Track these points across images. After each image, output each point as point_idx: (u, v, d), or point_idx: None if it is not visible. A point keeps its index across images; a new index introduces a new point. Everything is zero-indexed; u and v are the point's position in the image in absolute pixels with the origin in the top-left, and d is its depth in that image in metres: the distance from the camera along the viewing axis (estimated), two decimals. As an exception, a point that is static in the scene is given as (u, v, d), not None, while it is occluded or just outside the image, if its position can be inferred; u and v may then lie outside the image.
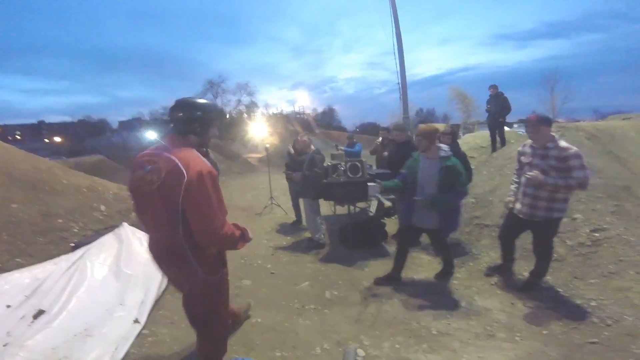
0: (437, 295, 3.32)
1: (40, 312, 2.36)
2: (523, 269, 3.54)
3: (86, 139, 39.34)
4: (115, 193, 5.33)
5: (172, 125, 1.79)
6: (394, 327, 2.81)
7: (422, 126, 3.27)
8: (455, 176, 3.03)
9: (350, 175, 4.42)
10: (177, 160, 1.61)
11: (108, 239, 3.35)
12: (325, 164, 4.72)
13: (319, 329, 2.81)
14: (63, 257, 3.00)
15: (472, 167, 6.04)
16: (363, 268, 3.98)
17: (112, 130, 45.80)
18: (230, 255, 4.41)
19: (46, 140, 42.33)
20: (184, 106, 1.79)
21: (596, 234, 3.49)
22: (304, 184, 4.57)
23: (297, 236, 5.33)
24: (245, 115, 30.41)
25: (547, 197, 2.85)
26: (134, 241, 3.48)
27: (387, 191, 3.51)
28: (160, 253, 1.86)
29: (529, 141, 3.07)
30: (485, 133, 8.93)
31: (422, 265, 4.01)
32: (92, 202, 4.68)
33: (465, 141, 9.24)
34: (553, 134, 2.92)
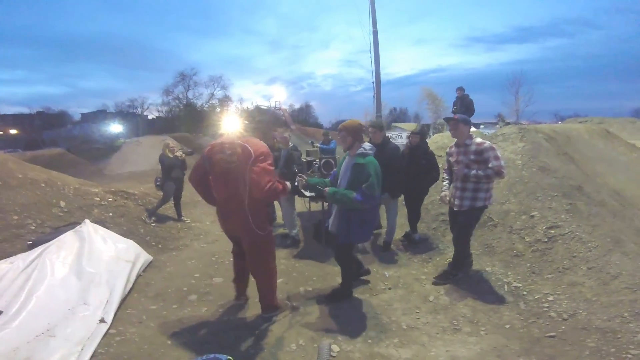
0: (406, 290, 3.43)
1: None
2: (486, 264, 3.73)
3: (45, 131, 36.74)
4: (76, 188, 5.03)
5: (243, 125, 2.72)
6: (365, 323, 2.87)
7: (346, 122, 3.05)
8: (365, 176, 2.74)
9: (324, 172, 4.45)
10: (247, 145, 2.49)
11: (68, 237, 3.19)
12: (302, 160, 4.74)
13: (294, 326, 2.82)
14: (19, 255, 2.87)
15: (440, 165, 6.24)
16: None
17: (74, 123, 43.02)
18: (201, 252, 4.34)
19: (0, 132, 38.97)
20: (258, 112, 3.49)
21: (552, 231, 3.72)
22: (282, 180, 4.55)
23: (270, 233, 5.31)
24: (218, 109, 29.49)
25: (472, 189, 3.26)
26: (96, 239, 3.34)
27: (311, 188, 3.32)
28: (229, 212, 2.66)
29: (453, 142, 3.50)
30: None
31: (391, 261, 4.12)
32: (50, 198, 4.39)
33: (434, 141, 9.51)
34: (471, 133, 3.39)
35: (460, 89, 8.15)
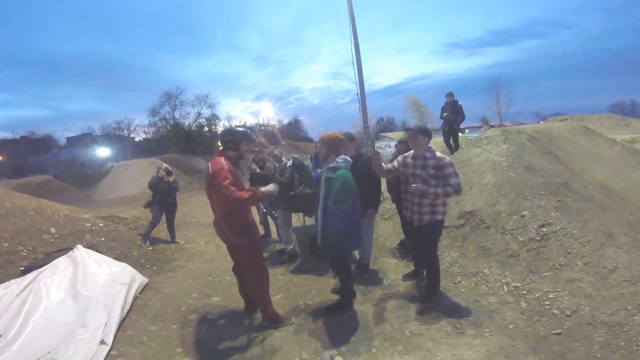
0: (406, 297, 3.41)
1: None
2: (483, 266, 3.76)
3: (30, 157, 36.06)
4: (66, 215, 4.96)
5: (220, 144, 2.90)
6: (368, 332, 2.85)
7: (326, 133, 3.13)
8: (333, 190, 2.78)
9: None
10: (209, 164, 2.75)
11: (62, 262, 3.21)
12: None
13: (296, 340, 2.79)
14: (13, 281, 2.90)
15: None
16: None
17: (60, 147, 42.35)
18: (197, 273, 4.32)
19: (-15, 159, 37.95)
20: (223, 133, 2.97)
21: (544, 229, 3.78)
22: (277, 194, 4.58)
23: (267, 250, 5.27)
24: (206, 128, 29.22)
25: (430, 203, 3.08)
26: (90, 263, 3.35)
27: (300, 171, 3.24)
28: (214, 223, 2.90)
29: (409, 153, 3.25)
30: (441, 139, 9.39)
31: (390, 269, 4.12)
32: (40, 225, 4.33)
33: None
34: (430, 145, 3.16)
35: (450, 94, 8.17)
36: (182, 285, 4.06)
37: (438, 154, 3.10)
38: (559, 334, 2.60)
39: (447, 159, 3.03)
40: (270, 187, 2.97)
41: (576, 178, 4.88)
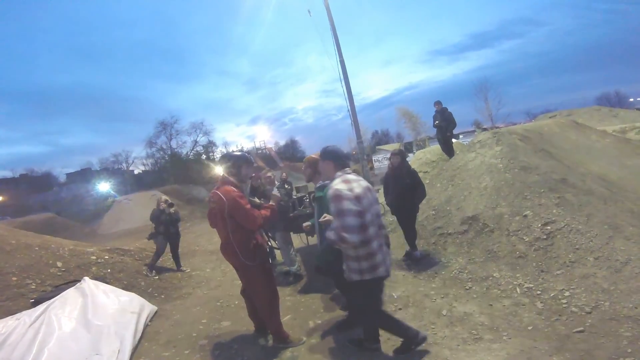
0: (418, 308, 3.36)
1: None
2: (492, 270, 3.71)
3: (31, 195, 36.03)
4: (72, 249, 4.99)
5: (221, 171, 2.92)
6: (382, 345, 2.79)
7: (309, 155, 3.16)
8: (325, 208, 2.64)
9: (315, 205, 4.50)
10: (220, 193, 2.72)
11: (71, 293, 3.26)
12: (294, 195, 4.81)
13: (310, 359, 2.74)
14: (24, 312, 2.95)
15: (427, 181, 6.32)
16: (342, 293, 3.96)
17: (60, 184, 42.43)
18: (205, 299, 4.29)
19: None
20: (223, 158, 3.28)
21: (548, 227, 3.77)
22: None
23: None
24: (203, 156, 29.13)
25: (339, 251, 2.36)
26: (98, 294, 3.40)
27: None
28: (223, 248, 2.90)
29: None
30: (434, 147, 9.45)
31: (397, 281, 4.05)
32: (46, 260, 4.38)
33: (418, 157, 9.64)
34: (341, 172, 2.37)
35: (438, 103, 8.31)
36: (191, 312, 4.03)
37: (336, 182, 2.26)
38: (582, 331, 2.54)
39: (333, 189, 2.19)
40: (277, 196, 3.01)
41: (573, 172, 4.90)
